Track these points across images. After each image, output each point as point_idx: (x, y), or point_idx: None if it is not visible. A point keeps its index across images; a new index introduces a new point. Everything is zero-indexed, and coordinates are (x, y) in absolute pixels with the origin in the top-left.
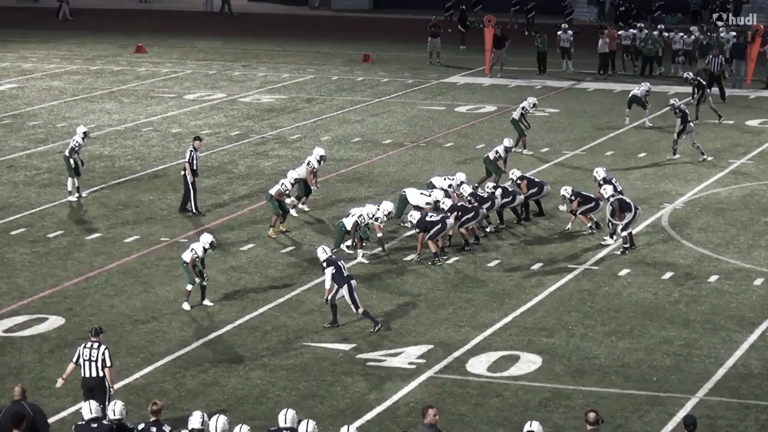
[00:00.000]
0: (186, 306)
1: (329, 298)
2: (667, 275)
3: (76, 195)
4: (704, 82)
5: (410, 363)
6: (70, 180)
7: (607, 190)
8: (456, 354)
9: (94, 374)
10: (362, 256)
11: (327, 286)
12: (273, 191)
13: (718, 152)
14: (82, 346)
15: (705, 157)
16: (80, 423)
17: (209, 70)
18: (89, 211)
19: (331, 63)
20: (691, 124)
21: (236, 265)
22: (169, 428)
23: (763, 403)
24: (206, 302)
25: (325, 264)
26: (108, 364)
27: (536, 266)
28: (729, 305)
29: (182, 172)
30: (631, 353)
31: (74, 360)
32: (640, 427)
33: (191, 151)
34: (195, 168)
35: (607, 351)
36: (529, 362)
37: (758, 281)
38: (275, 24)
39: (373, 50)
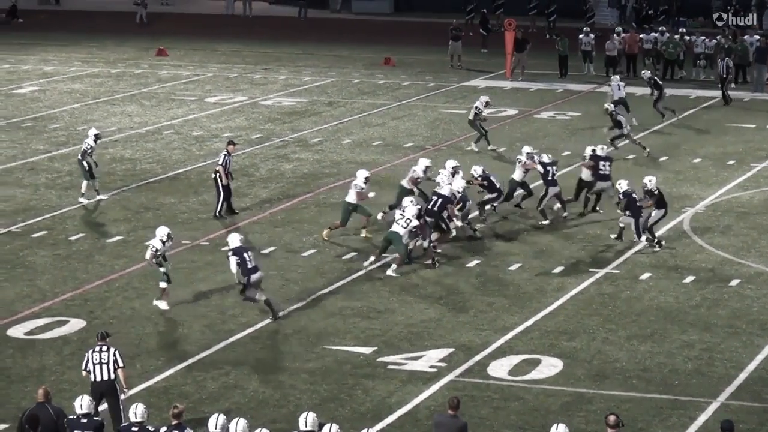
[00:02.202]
0: (163, 305)
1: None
2: (689, 279)
3: (97, 197)
4: (660, 83)
5: (431, 366)
6: (84, 183)
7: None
8: (477, 357)
9: (105, 377)
10: (392, 270)
11: (233, 272)
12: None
13: (739, 156)
14: (90, 351)
15: (647, 151)
16: (71, 417)
17: (230, 73)
18: (110, 213)
19: (352, 66)
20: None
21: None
22: (191, 431)
23: None
24: (159, 303)
25: (230, 253)
26: (120, 364)
27: (557, 270)
28: (751, 309)
29: (213, 176)
30: (652, 357)
31: (84, 367)
32: (662, 431)
33: (225, 155)
34: (228, 172)
35: (628, 355)
36: (550, 366)
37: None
38: (296, 27)
39: (395, 53)
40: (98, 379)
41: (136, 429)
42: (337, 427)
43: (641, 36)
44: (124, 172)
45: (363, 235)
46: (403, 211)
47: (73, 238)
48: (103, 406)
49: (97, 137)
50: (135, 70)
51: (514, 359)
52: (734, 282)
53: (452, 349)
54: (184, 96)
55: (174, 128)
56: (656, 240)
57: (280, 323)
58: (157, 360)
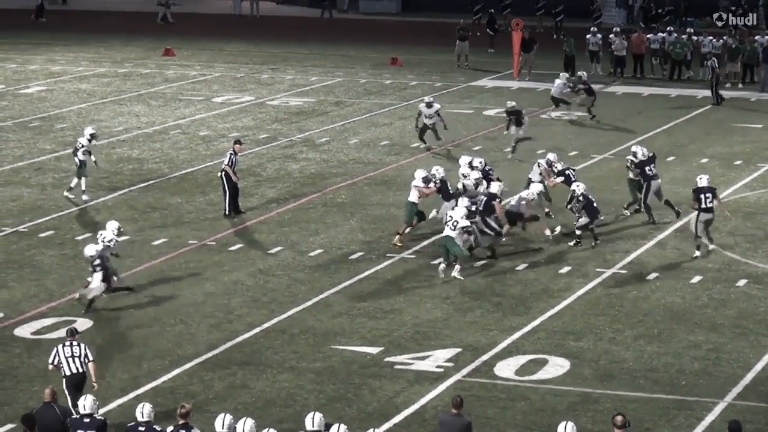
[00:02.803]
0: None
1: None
2: (696, 279)
3: (82, 197)
4: (593, 88)
5: (438, 366)
6: (74, 179)
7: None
8: (484, 357)
9: (80, 370)
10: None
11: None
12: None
13: (746, 156)
14: (60, 346)
15: (512, 148)
16: (74, 417)
17: (237, 73)
18: (117, 213)
19: (359, 66)
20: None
21: (264, 267)
22: (199, 431)
23: None
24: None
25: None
26: (91, 358)
27: (564, 270)
28: (758, 309)
29: (219, 175)
30: (659, 357)
31: (51, 361)
32: (669, 431)
33: (231, 154)
34: (234, 171)
35: (635, 355)
36: (557, 366)
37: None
38: (303, 27)
39: (402, 53)
40: (74, 371)
41: (143, 429)
42: (345, 427)
43: (648, 36)
44: (131, 172)
45: (395, 241)
46: (452, 213)
47: (79, 237)
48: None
49: (92, 137)
50: (142, 69)
51: (521, 359)
52: (741, 282)
53: (459, 349)
54: (191, 96)
55: (181, 128)
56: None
57: (288, 323)
58: (164, 360)
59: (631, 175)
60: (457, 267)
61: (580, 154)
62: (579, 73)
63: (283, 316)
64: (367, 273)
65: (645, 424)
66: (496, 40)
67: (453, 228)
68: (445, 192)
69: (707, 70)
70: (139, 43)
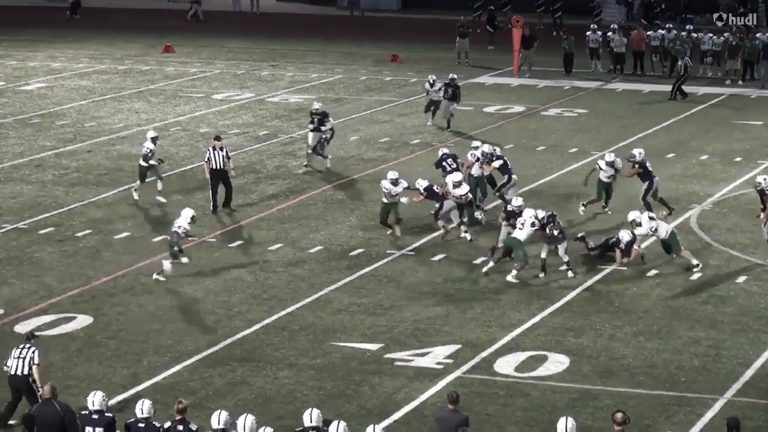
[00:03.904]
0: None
1: None
2: (696, 276)
3: (157, 197)
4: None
5: (438, 363)
6: (159, 182)
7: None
8: (484, 354)
9: (19, 372)
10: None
11: None
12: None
13: (746, 153)
14: (15, 348)
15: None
16: (84, 413)
17: (237, 70)
18: (117, 210)
19: (359, 63)
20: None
21: (264, 264)
22: (196, 427)
23: None
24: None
25: None
26: (36, 362)
27: (564, 266)
28: (757, 306)
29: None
30: (659, 354)
31: (6, 362)
32: (668, 428)
33: (210, 150)
34: (213, 167)
35: (634, 351)
36: (556, 362)
37: None
38: (303, 24)
39: (402, 50)
40: (13, 373)
41: (142, 425)
42: (345, 424)
43: (648, 33)
44: (131, 169)
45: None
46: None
47: (80, 234)
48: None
49: (154, 140)
50: (142, 66)
51: (521, 356)
52: (741, 279)
53: (459, 346)
54: (191, 93)
55: (181, 125)
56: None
57: (288, 319)
58: (164, 356)
59: (602, 176)
60: (514, 271)
61: (579, 151)
62: (451, 76)
63: (283, 312)
64: (367, 270)
65: (644, 420)
66: (496, 37)
67: (521, 228)
68: (434, 195)
69: (707, 68)
70: (140, 40)
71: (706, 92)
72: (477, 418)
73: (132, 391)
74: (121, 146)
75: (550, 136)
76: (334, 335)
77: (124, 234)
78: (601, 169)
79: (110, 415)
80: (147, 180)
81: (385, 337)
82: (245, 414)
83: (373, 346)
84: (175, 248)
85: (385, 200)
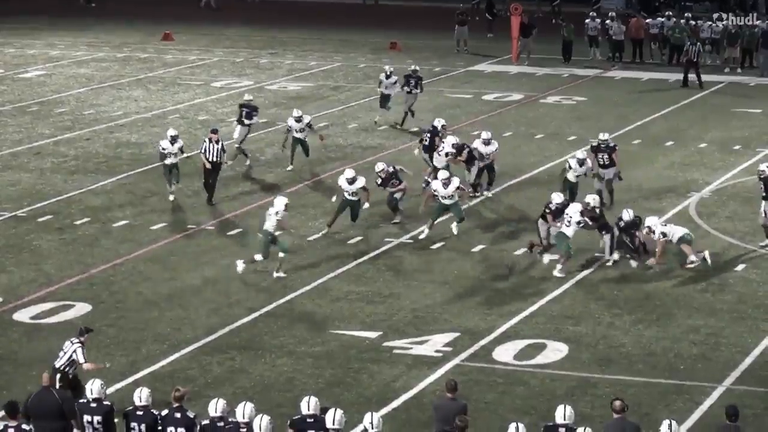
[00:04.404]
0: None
1: None
2: (695, 264)
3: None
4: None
5: (437, 351)
6: (174, 185)
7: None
8: (482, 342)
9: (57, 365)
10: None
11: None
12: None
13: (745, 141)
14: (67, 340)
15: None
16: (82, 401)
17: (236, 58)
18: (116, 198)
19: (358, 51)
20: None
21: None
22: (193, 414)
23: None
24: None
25: None
26: (80, 360)
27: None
28: (756, 294)
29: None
30: (657, 342)
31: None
32: (667, 416)
33: (205, 143)
34: (209, 159)
35: (633, 339)
36: (555, 350)
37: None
38: (303, 11)
39: (401, 38)
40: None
41: (141, 413)
42: (342, 412)
43: (647, 21)
44: (129, 157)
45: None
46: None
47: (78, 222)
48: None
49: (173, 139)
50: (141, 54)
51: (520, 344)
52: (740, 267)
53: (458, 334)
54: (190, 80)
55: (180, 113)
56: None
57: (287, 307)
58: (163, 344)
59: (570, 175)
60: (559, 266)
61: (578, 139)
62: (412, 67)
63: (282, 300)
64: (365, 258)
65: (643, 408)
66: (495, 25)
67: (568, 224)
68: (398, 179)
69: (706, 55)
70: (138, 28)
71: (705, 80)
72: (475, 406)
73: (130, 379)
74: (120, 134)
75: (549, 124)
76: (332, 323)
77: (123, 222)
78: (570, 167)
79: (108, 403)
80: (171, 177)
81: (383, 325)
82: (244, 402)
83: (371, 334)
84: (268, 239)
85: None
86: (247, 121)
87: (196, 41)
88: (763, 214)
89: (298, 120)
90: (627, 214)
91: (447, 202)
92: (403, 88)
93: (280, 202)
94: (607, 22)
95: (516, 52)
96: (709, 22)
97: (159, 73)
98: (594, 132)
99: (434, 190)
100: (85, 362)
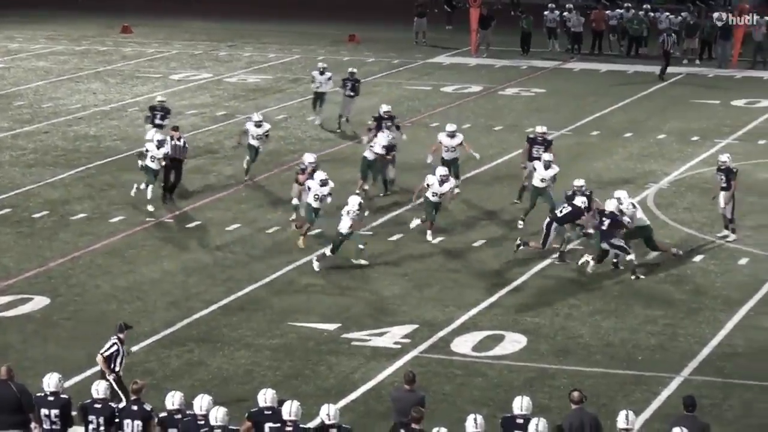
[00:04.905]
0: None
1: None
2: (653, 255)
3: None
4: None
5: (395, 343)
6: (150, 188)
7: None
8: (441, 334)
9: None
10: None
11: None
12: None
13: (703, 132)
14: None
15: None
16: (39, 394)
17: (195, 50)
18: (74, 191)
19: (317, 43)
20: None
21: (221, 244)
22: (150, 407)
23: (747, 382)
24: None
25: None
26: (101, 351)
27: (522, 247)
28: (714, 285)
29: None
30: (615, 333)
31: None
32: (625, 407)
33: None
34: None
35: (591, 330)
36: (513, 342)
37: (743, 261)
38: (262, 3)
39: (360, 30)
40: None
41: (98, 406)
42: (298, 404)
43: (607, 12)
44: (88, 150)
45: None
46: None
47: (36, 215)
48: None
49: (160, 143)
50: (99, 47)
51: (478, 335)
52: (698, 258)
53: (416, 326)
54: (148, 73)
55: (139, 105)
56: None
57: (246, 300)
58: None
59: (537, 182)
60: (592, 263)
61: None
62: (350, 70)
63: (241, 293)
64: (324, 250)
65: (601, 399)
66: (454, 17)
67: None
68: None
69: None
70: (97, 21)
71: (667, 72)
72: (434, 398)
73: (88, 372)
74: (78, 127)
75: (508, 116)
76: (291, 315)
77: (81, 215)
78: (535, 169)
79: (66, 396)
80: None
81: (342, 317)
82: (201, 394)
83: (330, 326)
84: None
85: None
86: (159, 122)
87: (155, 34)
88: (723, 206)
89: (258, 125)
90: (565, 209)
91: (434, 199)
92: (342, 89)
93: (353, 201)
94: (566, 14)
95: (475, 44)
96: (667, 14)
97: (118, 66)
98: (553, 124)
99: (428, 184)
100: (103, 356)
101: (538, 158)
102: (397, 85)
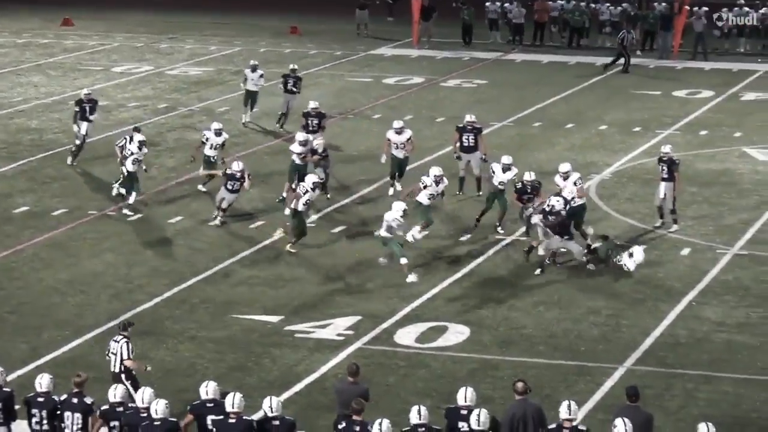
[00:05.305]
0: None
1: None
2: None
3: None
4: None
5: (338, 334)
6: (133, 195)
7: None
8: (384, 325)
9: (116, 369)
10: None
11: None
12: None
13: (645, 123)
14: (111, 339)
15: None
16: (30, 395)
17: (136, 43)
18: (16, 184)
19: (258, 35)
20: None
21: (164, 237)
22: (91, 400)
23: (690, 372)
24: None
25: None
26: (125, 356)
27: (465, 236)
28: (656, 275)
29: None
30: (558, 323)
31: (106, 354)
32: (568, 397)
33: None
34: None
35: (534, 321)
36: (456, 333)
37: (685, 251)
38: None
39: (301, 22)
40: (111, 369)
41: (41, 400)
42: (241, 396)
43: (548, 3)
44: (30, 143)
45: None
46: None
47: None
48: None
49: (141, 144)
50: (41, 40)
51: (421, 327)
52: (640, 248)
53: (359, 317)
54: (90, 66)
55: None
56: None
57: (188, 292)
58: (64, 330)
59: (495, 184)
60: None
61: (478, 121)
62: (291, 66)
63: (183, 285)
64: (266, 242)
65: (545, 390)
66: (396, 9)
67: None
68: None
69: (606, 38)
70: (38, 14)
71: (605, 62)
72: (377, 389)
73: (32, 366)
74: (20, 120)
75: (450, 108)
76: (234, 308)
77: (24, 208)
78: (493, 172)
79: (9, 390)
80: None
81: (285, 310)
82: (143, 387)
83: (273, 319)
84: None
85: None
86: (91, 117)
87: (96, 26)
88: (662, 196)
89: (218, 134)
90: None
91: (430, 201)
92: (284, 88)
93: (397, 207)
94: (507, 5)
95: (416, 36)
96: (608, 5)
97: (59, 59)
98: (495, 115)
99: (425, 185)
100: (129, 358)
101: (469, 147)
102: (339, 76)
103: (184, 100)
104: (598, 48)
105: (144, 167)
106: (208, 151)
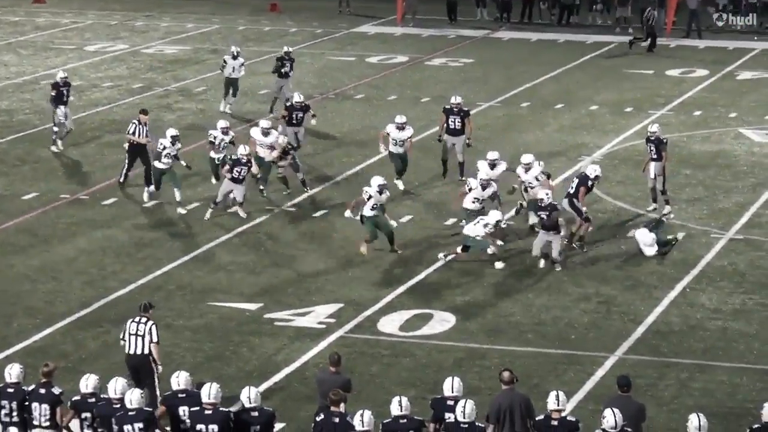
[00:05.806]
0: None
1: None
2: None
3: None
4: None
5: (319, 322)
6: (177, 192)
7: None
8: (367, 313)
9: (138, 351)
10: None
11: None
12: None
13: (637, 103)
14: (130, 321)
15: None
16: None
17: (110, 21)
18: None
19: (236, 12)
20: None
21: (139, 223)
22: (59, 390)
23: (683, 361)
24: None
25: None
26: (155, 339)
27: (450, 221)
28: (649, 261)
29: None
30: (547, 311)
31: (121, 336)
32: (557, 387)
33: (134, 124)
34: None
35: (522, 308)
36: (442, 321)
37: (679, 235)
38: None
39: None
40: (132, 352)
41: (11, 390)
42: (218, 386)
43: None
44: (1, 124)
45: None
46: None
47: None
48: None
49: (175, 139)
50: (11, 17)
51: (405, 314)
52: (632, 233)
53: (341, 305)
54: (62, 44)
55: (52, 78)
56: None
57: (164, 279)
58: (35, 318)
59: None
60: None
61: (465, 102)
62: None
63: (159, 272)
64: (245, 227)
65: (533, 379)
66: None
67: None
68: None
69: (597, 15)
70: None
71: (596, 40)
72: (360, 379)
73: (1, 355)
74: None
75: (435, 87)
76: (212, 295)
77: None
78: (478, 170)
79: (24, 389)
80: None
81: (264, 297)
82: (116, 377)
83: (252, 306)
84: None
85: None
86: (66, 99)
87: (69, 4)
88: (652, 176)
89: (225, 132)
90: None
91: (475, 206)
92: (278, 72)
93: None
94: None
95: (401, 13)
96: None
97: (30, 37)
98: (482, 95)
99: (470, 188)
100: (157, 342)
101: (456, 130)
102: (320, 55)
103: (159, 80)
104: (589, 26)
105: (184, 162)
106: (213, 153)
